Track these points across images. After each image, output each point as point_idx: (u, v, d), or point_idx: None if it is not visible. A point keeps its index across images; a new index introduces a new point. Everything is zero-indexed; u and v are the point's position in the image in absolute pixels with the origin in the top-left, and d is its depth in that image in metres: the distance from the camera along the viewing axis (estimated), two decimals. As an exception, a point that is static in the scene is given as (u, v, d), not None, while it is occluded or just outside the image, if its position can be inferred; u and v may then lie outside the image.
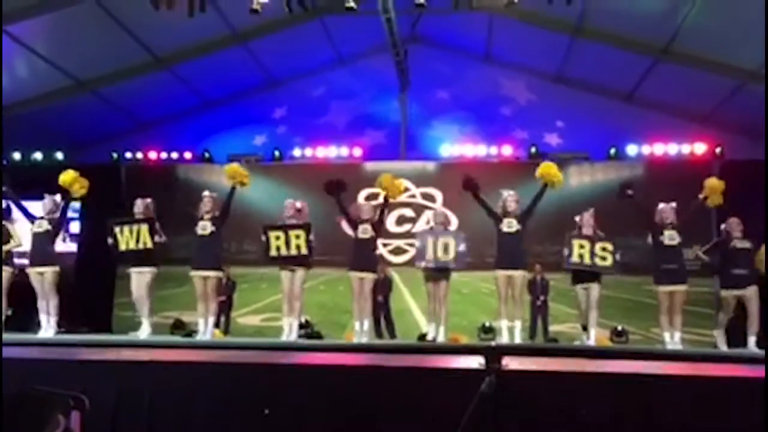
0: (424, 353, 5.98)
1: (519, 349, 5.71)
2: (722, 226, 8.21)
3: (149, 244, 8.03)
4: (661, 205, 7.86)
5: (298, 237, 7.88)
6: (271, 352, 6.05)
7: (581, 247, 7.77)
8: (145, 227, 8.07)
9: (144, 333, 8.06)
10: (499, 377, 2.92)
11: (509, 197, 7.94)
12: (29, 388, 2.27)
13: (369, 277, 8.11)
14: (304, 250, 7.89)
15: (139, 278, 8.18)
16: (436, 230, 8.33)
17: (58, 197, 8.31)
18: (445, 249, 7.94)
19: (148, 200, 8.40)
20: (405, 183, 13.11)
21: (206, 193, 8.22)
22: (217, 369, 4.11)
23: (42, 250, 8.13)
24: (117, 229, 8.11)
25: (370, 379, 3.79)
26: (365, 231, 8.04)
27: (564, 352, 6.25)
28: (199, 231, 8.05)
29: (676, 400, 3.41)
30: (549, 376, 3.65)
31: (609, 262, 7.74)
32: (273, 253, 7.97)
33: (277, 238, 7.92)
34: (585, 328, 8.14)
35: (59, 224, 8.27)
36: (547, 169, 7.95)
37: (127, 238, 8.06)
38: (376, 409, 3.64)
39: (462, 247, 7.98)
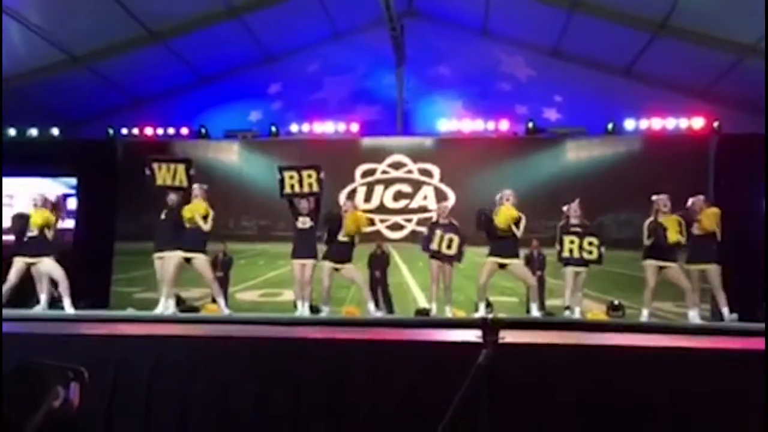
0: (422, 327, 6.03)
1: (516, 322, 5.74)
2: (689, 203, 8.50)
3: (185, 183, 8.31)
4: (655, 197, 8.31)
5: (310, 176, 8.47)
6: (268, 326, 6.09)
7: (571, 242, 8.73)
8: (182, 166, 8.34)
9: (170, 309, 8.21)
10: (496, 350, 2.94)
11: (507, 194, 8.39)
12: (29, 361, 2.28)
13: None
14: (315, 188, 8.44)
15: (167, 261, 8.32)
16: (443, 224, 9.02)
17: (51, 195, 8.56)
18: (449, 245, 8.74)
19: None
20: (402, 158, 13.29)
21: (195, 186, 8.44)
22: (216, 343, 4.14)
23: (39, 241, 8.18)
24: (155, 165, 8.31)
25: (368, 353, 3.82)
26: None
27: (561, 325, 6.30)
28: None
29: (671, 373, 3.45)
30: (545, 349, 3.68)
31: (595, 255, 8.68)
32: (287, 190, 8.52)
33: (291, 177, 8.48)
34: (568, 308, 8.88)
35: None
36: None
37: (165, 174, 8.27)
38: (372, 383, 3.67)
39: (464, 247, 8.86)
